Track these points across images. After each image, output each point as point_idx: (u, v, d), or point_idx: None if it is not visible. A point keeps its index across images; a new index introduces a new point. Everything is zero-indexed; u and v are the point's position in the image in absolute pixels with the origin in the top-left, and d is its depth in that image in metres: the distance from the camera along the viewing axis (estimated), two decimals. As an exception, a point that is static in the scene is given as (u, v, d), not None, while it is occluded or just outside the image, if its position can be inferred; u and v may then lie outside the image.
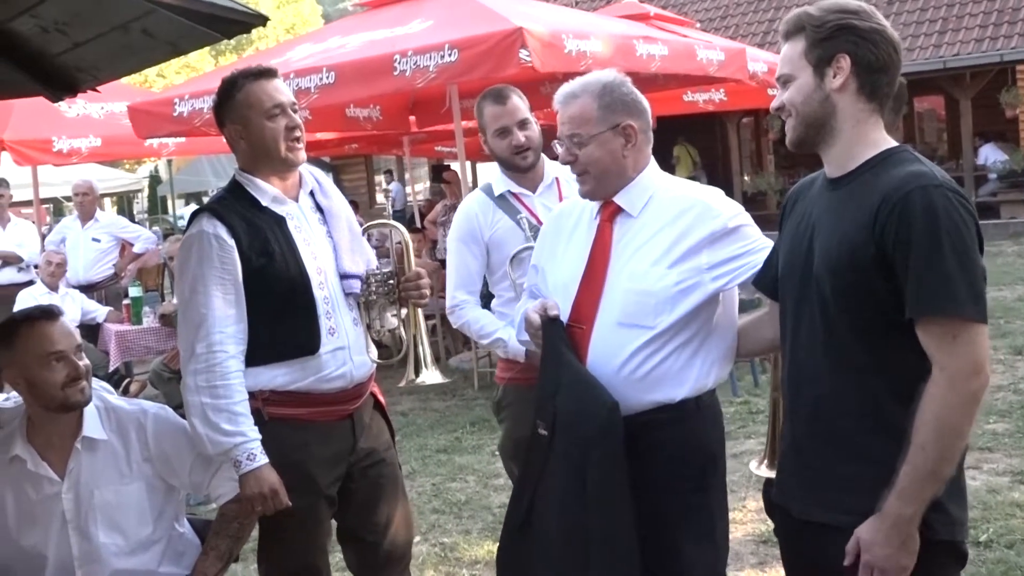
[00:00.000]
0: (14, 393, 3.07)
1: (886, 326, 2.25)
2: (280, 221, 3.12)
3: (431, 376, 3.40)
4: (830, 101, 2.36)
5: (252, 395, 3.05)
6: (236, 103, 3.12)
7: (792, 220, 2.53)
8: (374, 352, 3.33)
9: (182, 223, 21.15)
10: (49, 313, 3.05)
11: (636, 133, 2.81)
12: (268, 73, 3.14)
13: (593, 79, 2.87)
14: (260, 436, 2.99)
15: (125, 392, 8.30)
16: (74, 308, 8.58)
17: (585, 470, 2.68)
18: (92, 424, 3.00)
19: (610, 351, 2.74)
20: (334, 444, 3.17)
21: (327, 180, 3.36)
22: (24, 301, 7.98)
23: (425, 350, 3.38)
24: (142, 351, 8.70)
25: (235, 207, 3.10)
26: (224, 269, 3.01)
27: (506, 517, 2.95)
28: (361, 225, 3.52)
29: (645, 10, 11.59)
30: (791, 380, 2.50)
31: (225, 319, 3.00)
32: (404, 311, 3.37)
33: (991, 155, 17.23)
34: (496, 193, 3.84)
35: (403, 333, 3.39)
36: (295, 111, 3.14)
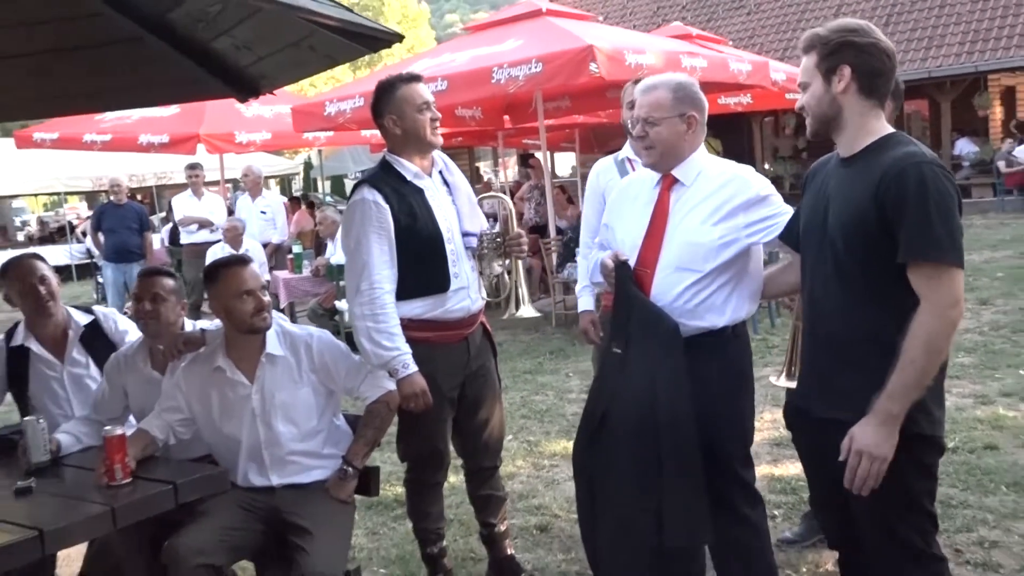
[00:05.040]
0: (217, 320, 3.17)
1: (884, 270, 2.25)
2: (420, 192, 3.16)
3: (527, 311, 3.45)
4: (836, 102, 2.36)
5: None
6: (395, 99, 3.16)
7: (812, 189, 2.53)
8: (484, 292, 3.38)
9: (328, 199, 21.43)
10: (243, 260, 3.13)
11: (695, 123, 2.82)
12: (417, 78, 3.21)
13: (670, 76, 2.89)
14: (411, 350, 3.05)
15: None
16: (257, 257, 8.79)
17: (656, 377, 2.71)
18: (273, 343, 3.06)
19: (669, 288, 2.76)
20: (453, 359, 3.22)
21: (452, 162, 3.40)
22: (215, 254, 8.21)
23: (523, 291, 3.42)
24: (302, 294, 8.91)
25: (387, 180, 3.15)
26: (380, 227, 3.07)
27: (582, 421, 2.95)
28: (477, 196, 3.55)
29: (688, 31, 11.40)
30: (810, 313, 2.51)
31: (381, 264, 3.07)
32: (507, 262, 3.42)
33: (965, 147, 16.76)
34: (619, 158, 3.88)
35: (506, 279, 3.44)
36: (434, 106, 3.20)
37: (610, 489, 2.81)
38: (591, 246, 3.54)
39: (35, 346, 3.42)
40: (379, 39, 2.96)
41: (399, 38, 2.93)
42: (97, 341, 3.47)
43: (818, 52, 2.37)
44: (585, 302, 3.37)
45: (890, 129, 2.37)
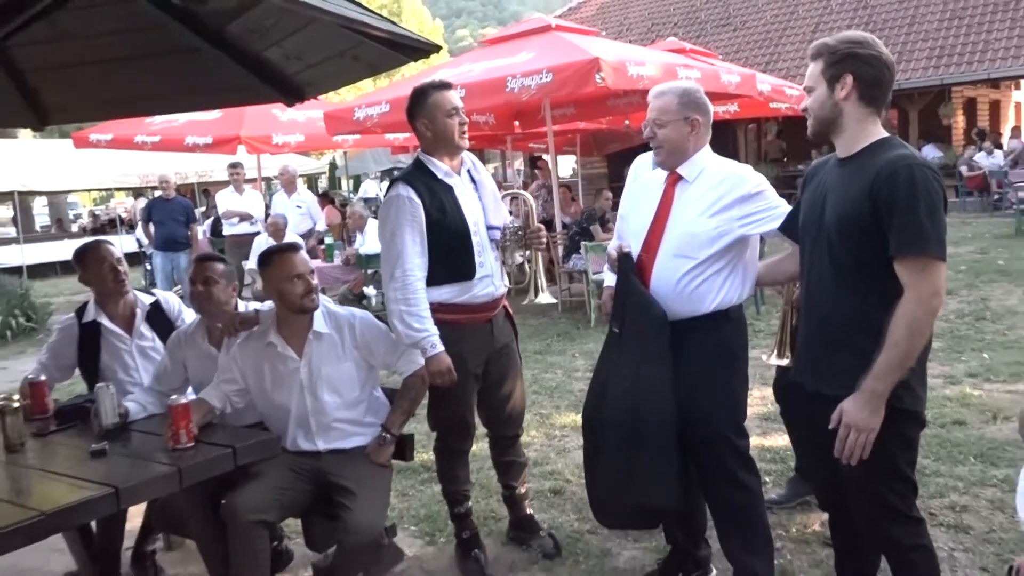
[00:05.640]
0: (269, 301, 3.18)
1: (875, 262, 2.25)
2: (449, 189, 3.15)
3: (545, 298, 3.46)
4: (838, 107, 2.35)
5: None
6: (427, 105, 3.14)
7: (811, 186, 2.53)
8: (506, 280, 3.38)
9: (351, 196, 21.44)
10: (294, 247, 3.15)
11: (699, 125, 2.82)
12: (448, 85, 3.18)
13: (679, 84, 2.91)
14: (440, 331, 3.05)
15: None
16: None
17: (642, 359, 2.75)
18: (319, 322, 3.07)
19: (667, 274, 2.78)
20: (479, 339, 3.22)
21: (479, 162, 3.39)
22: (260, 245, 8.23)
23: (541, 280, 3.44)
24: (333, 280, 8.92)
25: (420, 178, 3.14)
26: (414, 220, 3.05)
27: (589, 388, 2.99)
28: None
29: (683, 46, 11.35)
30: (806, 298, 2.51)
31: (414, 254, 3.05)
32: (528, 253, 3.43)
33: (930, 153, 16.63)
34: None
35: (526, 268, 3.46)
36: (463, 111, 3.19)
37: (605, 450, 2.86)
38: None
39: (106, 321, 3.46)
40: (419, 49, 2.96)
41: (437, 49, 2.93)
42: (159, 320, 3.52)
43: (824, 60, 2.36)
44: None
45: (885, 133, 2.37)
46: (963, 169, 15.61)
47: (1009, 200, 13.75)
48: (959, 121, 17.61)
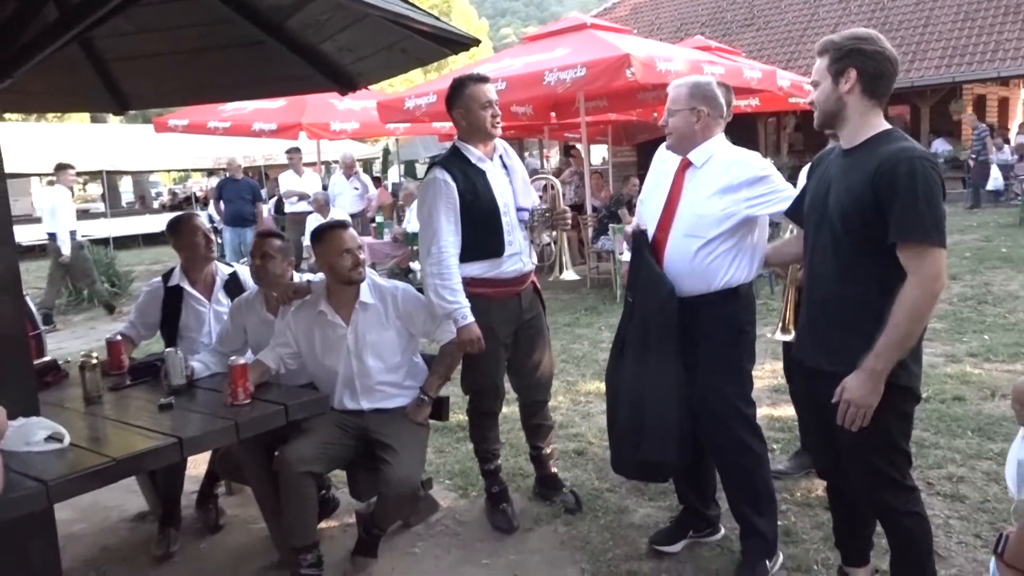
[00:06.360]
0: (320, 274, 3.19)
1: (874, 247, 2.18)
2: (482, 173, 3.12)
3: (569, 275, 3.43)
4: (842, 100, 2.28)
5: None
6: (463, 96, 3.11)
7: (816, 174, 2.46)
8: (535, 257, 3.34)
9: (403, 179, 21.44)
10: (343, 224, 3.14)
11: (703, 116, 2.77)
12: (484, 79, 3.15)
13: (693, 78, 2.86)
14: (471, 303, 3.04)
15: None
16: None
17: (649, 332, 2.74)
18: (365, 293, 3.08)
19: (680, 252, 2.74)
20: (508, 312, 3.20)
21: (511, 148, 3.35)
22: (313, 223, 8.27)
23: (566, 258, 3.40)
24: (382, 256, 8.96)
25: (455, 163, 3.12)
26: (449, 201, 3.04)
27: (611, 350, 2.99)
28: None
29: (708, 43, 11.11)
30: (809, 280, 2.44)
31: (448, 232, 3.04)
32: (554, 233, 3.39)
33: (940, 147, 16.26)
34: None
35: (552, 248, 3.42)
36: (496, 104, 3.15)
37: (619, 409, 2.86)
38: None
39: (187, 286, 3.50)
40: (461, 43, 2.92)
41: (477, 42, 2.89)
42: (236, 289, 3.54)
43: (830, 56, 2.28)
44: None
45: (887, 126, 2.29)
46: (971, 162, 15.16)
47: (1014, 191, 13.35)
48: (969, 117, 17.07)
